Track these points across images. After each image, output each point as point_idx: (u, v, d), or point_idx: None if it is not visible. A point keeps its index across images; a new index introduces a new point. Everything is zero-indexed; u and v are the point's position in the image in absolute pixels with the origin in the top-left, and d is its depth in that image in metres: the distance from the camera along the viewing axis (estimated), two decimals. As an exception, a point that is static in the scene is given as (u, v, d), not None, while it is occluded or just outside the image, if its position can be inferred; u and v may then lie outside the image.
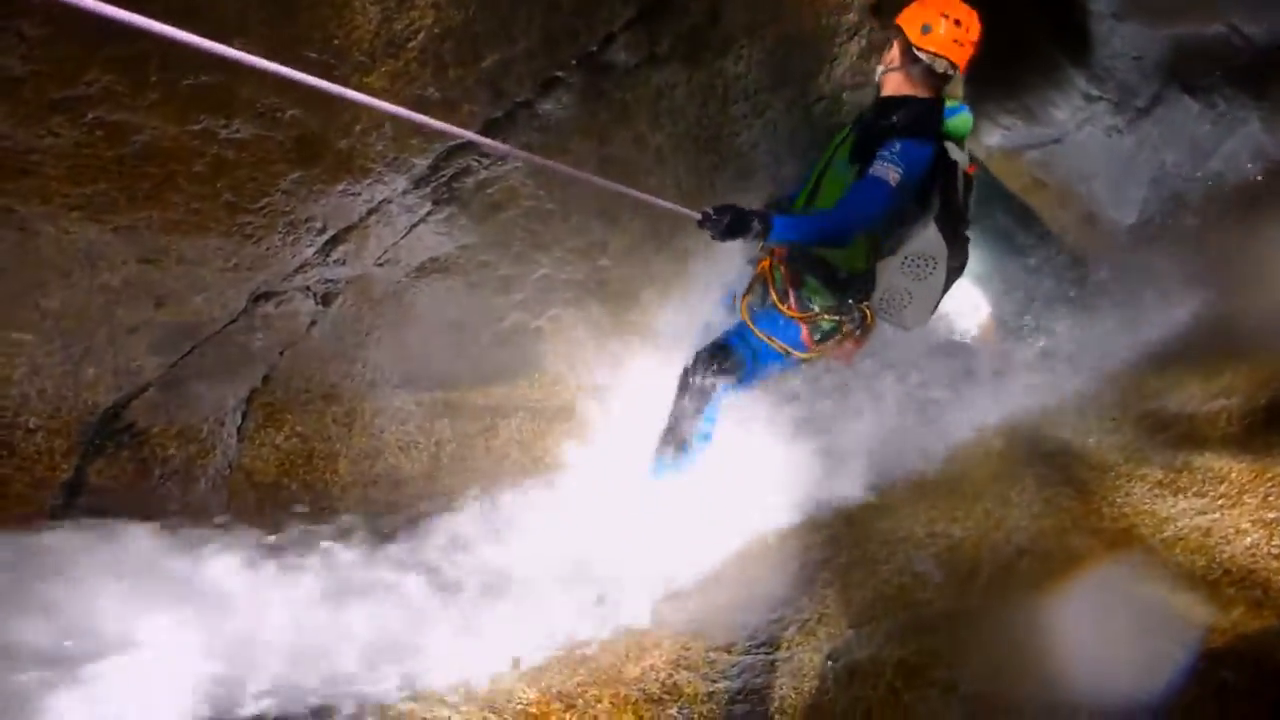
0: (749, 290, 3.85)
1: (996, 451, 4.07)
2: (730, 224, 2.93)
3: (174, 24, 1.60)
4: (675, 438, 3.88)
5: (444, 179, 2.97)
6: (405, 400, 3.59)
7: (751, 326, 3.73)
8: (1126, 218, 9.08)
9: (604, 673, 3.06)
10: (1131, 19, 7.85)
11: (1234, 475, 3.00)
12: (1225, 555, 2.63)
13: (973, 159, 3.54)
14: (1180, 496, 3.07)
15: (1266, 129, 7.22)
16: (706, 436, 3.89)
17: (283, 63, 1.86)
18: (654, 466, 3.97)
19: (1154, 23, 7.69)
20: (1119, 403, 4.17)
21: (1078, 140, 9.56)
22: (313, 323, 3.09)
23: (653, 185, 3.83)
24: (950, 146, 3.40)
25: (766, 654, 3.04)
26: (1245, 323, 4.06)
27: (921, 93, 3.43)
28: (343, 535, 3.12)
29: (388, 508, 3.49)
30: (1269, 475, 2.89)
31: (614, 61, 3.27)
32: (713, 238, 3.00)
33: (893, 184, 3.13)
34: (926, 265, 3.44)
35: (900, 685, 2.62)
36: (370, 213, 2.85)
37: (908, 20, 3.39)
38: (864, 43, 4.33)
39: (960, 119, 3.47)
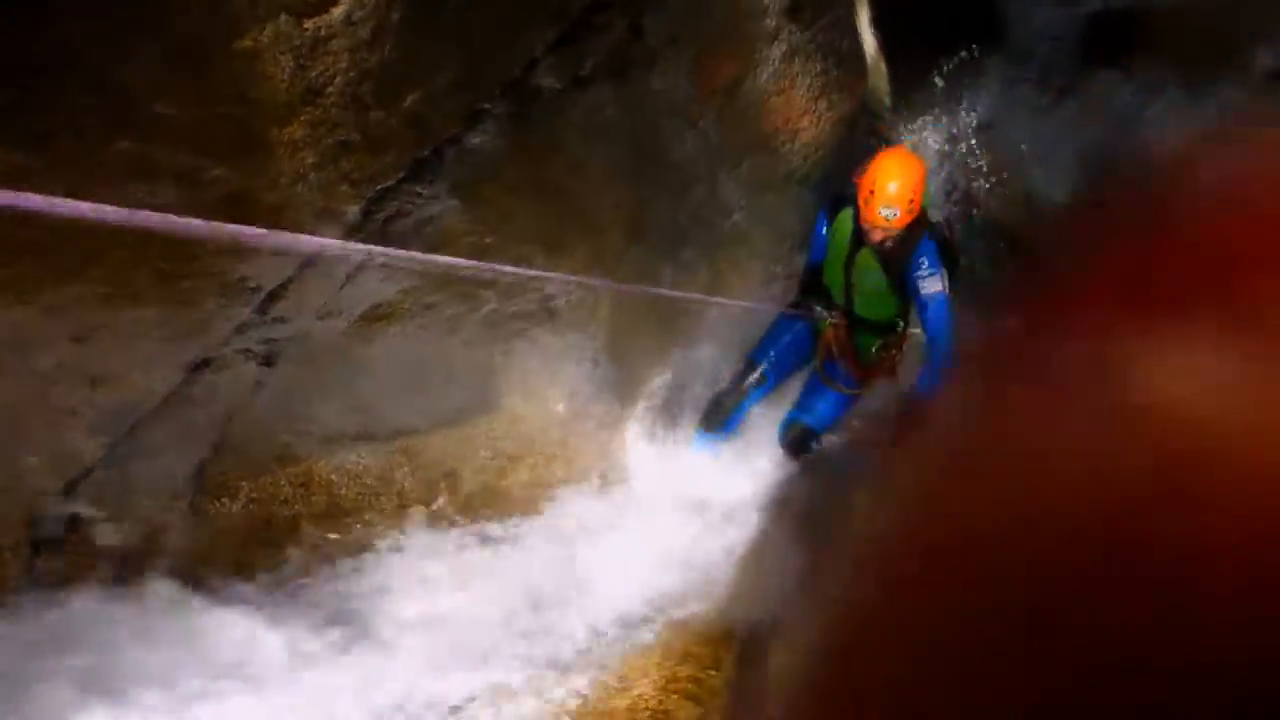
0: (818, 362, 4.78)
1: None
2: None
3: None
4: (711, 420, 4.97)
5: (378, 224, 2.90)
6: (361, 452, 3.50)
7: (828, 383, 4.73)
8: (1059, 195, 9.21)
9: (592, 707, 3.00)
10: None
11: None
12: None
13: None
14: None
15: (1185, 94, 7.37)
16: (734, 424, 4.95)
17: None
18: (697, 437, 5.05)
19: (1069, 1, 7.83)
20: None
21: (1005, 123, 9.70)
22: (258, 384, 2.98)
23: (592, 208, 3.80)
24: (940, 232, 4.30)
25: (754, 673, 2.98)
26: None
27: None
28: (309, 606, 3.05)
29: (354, 563, 3.39)
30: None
31: (539, 87, 3.22)
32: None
33: (942, 291, 4.08)
34: None
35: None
36: (305, 266, 2.76)
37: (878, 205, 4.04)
38: (786, 46, 4.34)
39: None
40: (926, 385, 4.14)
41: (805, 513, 4.09)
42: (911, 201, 3.96)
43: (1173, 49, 7.30)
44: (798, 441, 4.76)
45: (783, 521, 4.16)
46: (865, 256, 4.31)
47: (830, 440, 4.85)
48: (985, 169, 10.52)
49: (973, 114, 9.75)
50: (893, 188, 3.93)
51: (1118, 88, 8.10)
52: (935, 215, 4.34)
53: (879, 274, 4.32)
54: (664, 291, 4.45)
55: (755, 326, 5.38)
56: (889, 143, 7.46)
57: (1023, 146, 9.61)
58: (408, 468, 3.72)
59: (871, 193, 3.96)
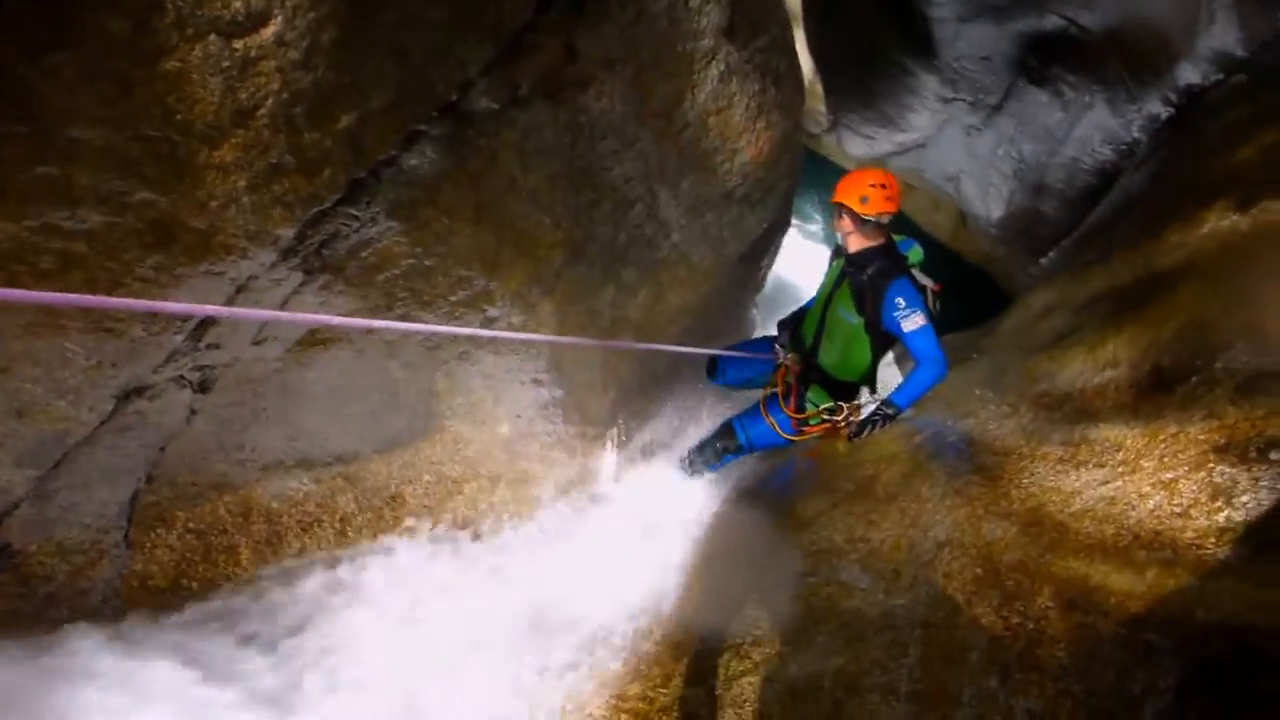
0: (766, 392, 5.04)
1: (902, 452, 4.10)
2: (885, 421, 4.42)
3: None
4: (693, 468, 5.21)
5: (313, 247, 2.86)
6: (302, 479, 3.44)
7: (765, 414, 4.88)
8: (995, 211, 9.40)
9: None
10: (975, 20, 8.19)
11: (1129, 442, 3.06)
12: (1132, 520, 2.67)
13: (936, 280, 4.64)
14: (1082, 469, 3.12)
15: (1112, 111, 7.57)
16: (713, 469, 5.18)
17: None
18: (681, 468, 5.29)
19: (996, 21, 8.03)
20: (1014, 388, 4.25)
21: (939, 142, 9.90)
22: (193, 412, 2.93)
23: (531, 228, 3.79)
24: (916, 274, 4.49)
25: (705, 686, 2.98)
26: (1122, 297, 4.19)
27: (875, 241, 4.49)
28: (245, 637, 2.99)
29: (293, 591, 3.33)
30: (1161, 437, 2.95)
31: (476, 108, 3.22)
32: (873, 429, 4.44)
33: (925, 322, 4.30)
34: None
35: (841, 695, 2.59)
36: (239, 290, 2.72)
37: (845, 197, 4.41)
38: (723, 66, 4.38)
39: (914, 251, 4.67)
40: (903, 397, 4.41)
41: (749, 528, 4.12)
42: (888, 195, 4.38)
43: (1099, 67, 7.49)
44: (720, 447, 5.08)
45: (728, 537, 4.19)
46: (843, 294, 4.61)
47: (750, 461, 5.33)
48: (920, 187, 10.72)
49: (909, 132, 9.95)
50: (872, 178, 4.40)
51: (1048, 106, 8.31)
52: (923, 278, 4.58)
53: (853, 312, 4.54)
54: (644, 345, 4.89)
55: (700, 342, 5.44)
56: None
57: (958, 164, 9.81)
58: (350, 493, 3.67)
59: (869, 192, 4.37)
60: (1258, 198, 3.69)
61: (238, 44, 2.25)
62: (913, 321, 4.28)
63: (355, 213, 2.93)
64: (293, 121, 2.50)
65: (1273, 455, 2.49)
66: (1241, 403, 2.80)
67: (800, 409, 4.79)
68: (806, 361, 4.91)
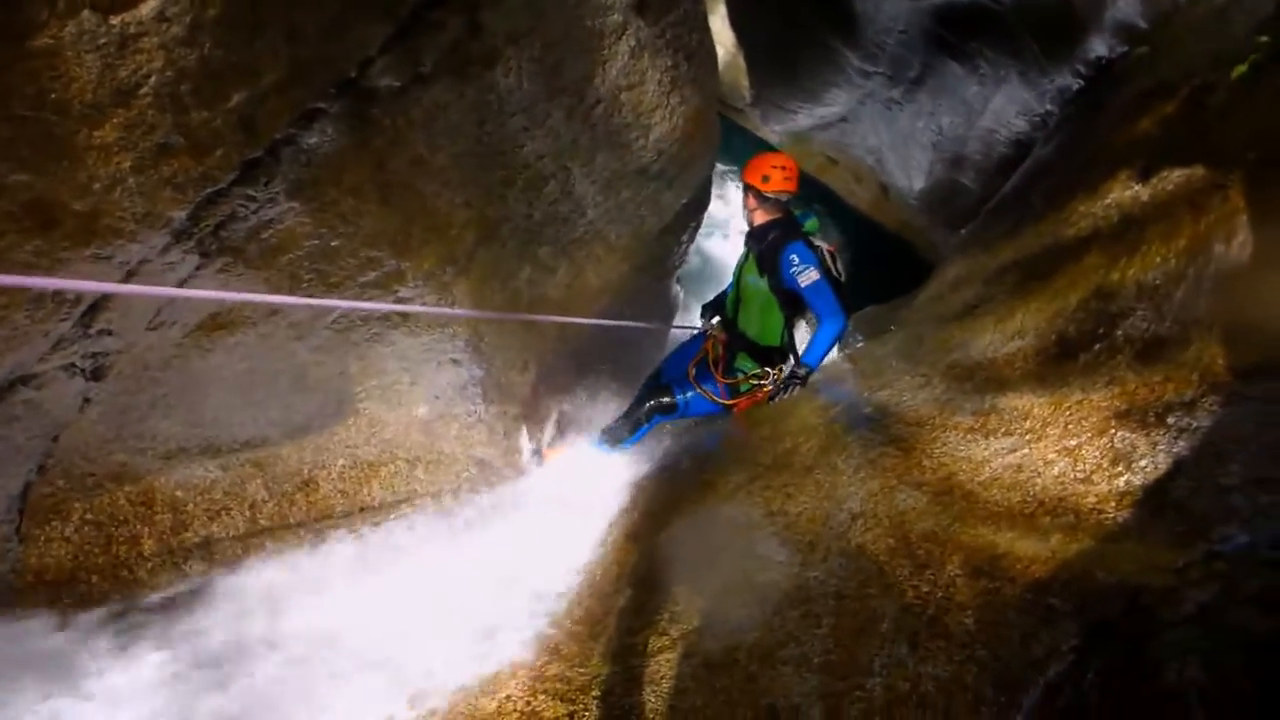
0: (695, 359, 5.35)
1: (819, 424, 4.14)
2: (800, 382, 4.65)
3: None
4: (615, 436, 5.29)
5: (209, 229, 2.79)
6: (209, 467, 3.36)
7: (694, 383, 5.18)
8: (916, 183, 9.54)
9: (460, 712, 2.97)
10: (893, -6, 8.28)
11: (1036, 410, 3.12)
12: (1038, 487, 2.72)
13: (830, 242, 4.94)
14: (991, 438, 3.17)
15: (1025, 83, 7.71)
16: (633, 441, 5.28)
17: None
18: (597, 441, 5.39)
19: (914, -5, 8.12)
20: (927, 359, 4.32)
21: (861, 116, 10.00)
22: (86, 400, 2.83)
23: (441, 208, 3.74)
24: (812, 239, 4.79)
25: (623, 664, 2.99)
26: (1030, 267, 4.27)
27: (776, 215, 4.93)
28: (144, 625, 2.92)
29: (201, 581, 3.26)
30: (1066, 405, 3.01)
31: (377, 86, 3.15)
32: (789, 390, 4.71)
33: (820, 277, 4.58)
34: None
35: (755, 668, 2.62)
36: (130, 275, 2.63)
37: (750, 177, 4.89)
38: (634, 41, 4.35)
39: (810, 222, 4.98)
40: (812, 356, 4.64)
41: (669, 504, 4.13)
42: (786, 175, 4.83)
43: (1014, 41, 7.61)
44: (651, 407, 5.23)
45: (648, 513, 4.19)
46: (750, 264, 5.01)
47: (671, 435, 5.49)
48: (842, 161, 10.82)
49: (830, 107, 10.03)
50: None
51: (965, 79, 8.43)
52: (819, 241, 4.87)
53: (758, 276, 4.91)
54: (580, 320, 5.08)
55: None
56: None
57: (879, 138, 9.93)
58: (260, 480, 3.60)
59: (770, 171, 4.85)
60: (1158, 167, 3.77)
61: (114, 20, 2.17)
62: (807, 277, 4.60)
63: (253, 193, 2.86)
64: (179, 100, 2.42)
65: (1170, 420, 2.55)
66: (1141, 369, 2.87)
67: (730, 374, 5.11)
68: (730, 331, 5.22)
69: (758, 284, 4.95)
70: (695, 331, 5.65)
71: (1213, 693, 1.57)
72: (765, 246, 4.87)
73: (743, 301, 5.15)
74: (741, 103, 11.01)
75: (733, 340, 5.22)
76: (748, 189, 4.97)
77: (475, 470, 4.78)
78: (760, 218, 5.00)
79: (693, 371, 5.28)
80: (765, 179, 4.86)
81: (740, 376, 5.07)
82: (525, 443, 5.28)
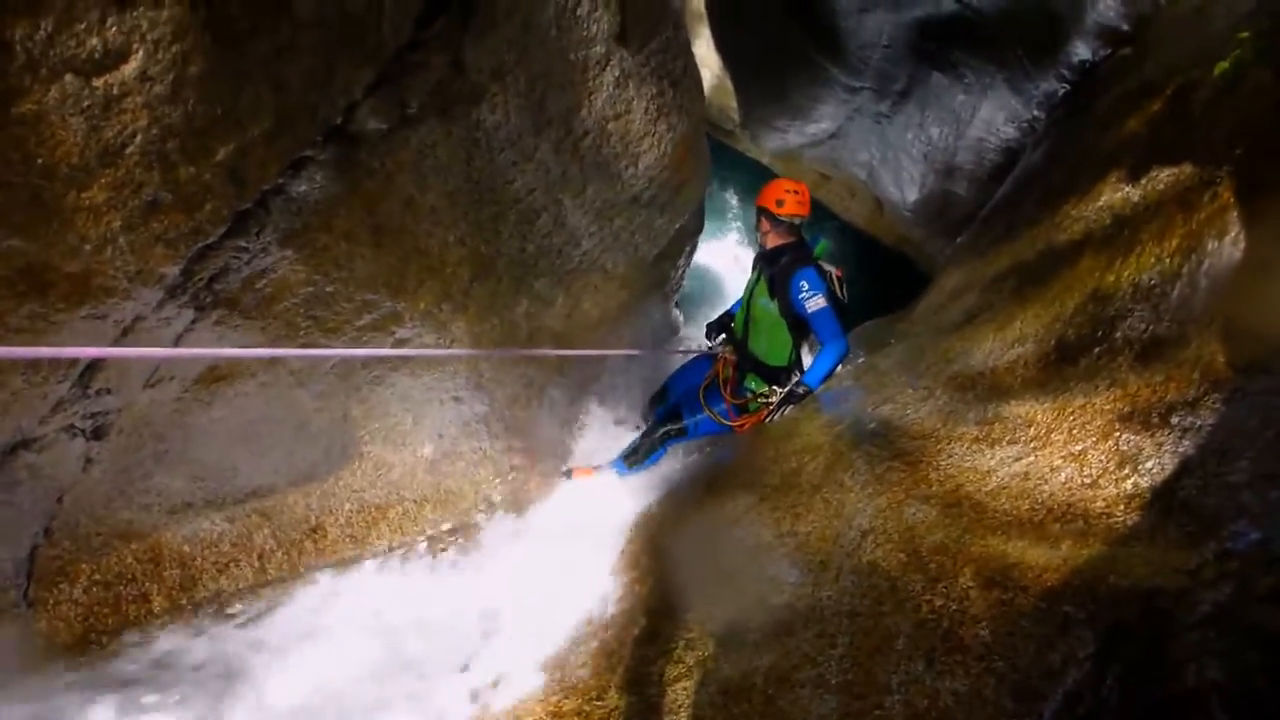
0: (705, 382, 5.63)
1: (825, 443, 4.13)
2: (796, 400, 4.91)
3: None
4: (633, 459, 5.47)
5: (202, 283, 2.79)
6: (215, 519, 3.36)
7: (704, 405, 5.43)
8: (910, 195, 9.55)
9: (480, 755, 2.95)
10: (875, 9, 8.31)
11: (1039, 417, 3.11)
12: (1045, 494, 2.70)
13: (838, 265, 5.23)
14: (997, 447, 3.15)
15: (1011, 90, 7.73)
16: (650, 463, 5.46)
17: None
18: (616, 464, 5.53)
19: (894, 9, 8.15)
20: (929, 370, 4.30)
21: (850, 131, 10.02)
22: (88, 461, 2.84)
23: (434, 247, 3.75)
24: (823, 264, 5.06)
25: (640, 695, 2.97)
26: (1026, 273, 4.27)
27: (788, 239, 5.19)
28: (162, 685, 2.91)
29: (213, 633, 3.24)
30: (1069, 410, 3.00)
31: (364, 130, 3.16)
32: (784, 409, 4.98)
33: (826, 304, 4.86)
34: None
35: (773, 692, 2.60)
36: (125, 333, 2.63)
37: (765, 201, 5.18)
38: (618, 71, 4.37)
39: (820, 246, 5.18)
40: (812, 377, 4.87)
41: (679, 531, 4.12)
42: (799, 200, 5.14)
43: (997, 48, 7.64)
44: (663, 433, 5.47)
45: (658, 540, 4.18)
46: (761, 287, 5.26)
47: (679, 460, 5.58)
48: (835, 177, 10.84)
49: (819, 124, 10.05)
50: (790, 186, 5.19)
51: (951, 90, 8.45)
52: (827, 266, 5.13)
53: (769, 299, 5.18)
54: (584, 353, 5.34)
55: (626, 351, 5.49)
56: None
57: (869, 152, 9.94)
58: (267, 529, 3.59)
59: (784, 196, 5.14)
60: (1147, 167, 3.77)
61: (98, 82, 2.18)
62: (815, 303, 4.87)
63: (245, 244, 2.86)
64: (166, 157, 2.43)
65: (1173, 420, 2.54)
66: (1141, 370, 2.85)
67: (739, 394, 5.36)
68: (740, 352, 5.47)
69: (768, 306, 5.20)
70: (700, 352, 5.96)
71: (1233, 692, 1.56)
72: (777, 270, 5.09)
73: (752, 322, 5.38)
74: (731, 125, 11.05)
75: (742, 360, 5.44)
76: (761, 212, 5.24)
77: (484, 506, 4.77)
78: (773, 241, 5.23)
79: (703, 394, 5.52)
80: (779, 203, 5.13)
81: (749, 396, 5.30)
82: (533, 476, 5.27)
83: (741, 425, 5.31)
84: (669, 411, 5.62)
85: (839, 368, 4.98)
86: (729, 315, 5.89)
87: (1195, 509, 2.18)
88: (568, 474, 5.66)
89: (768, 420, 5.03)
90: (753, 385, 5.34)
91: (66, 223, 2.26)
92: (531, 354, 4.86)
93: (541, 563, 4.32)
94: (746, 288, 5.56)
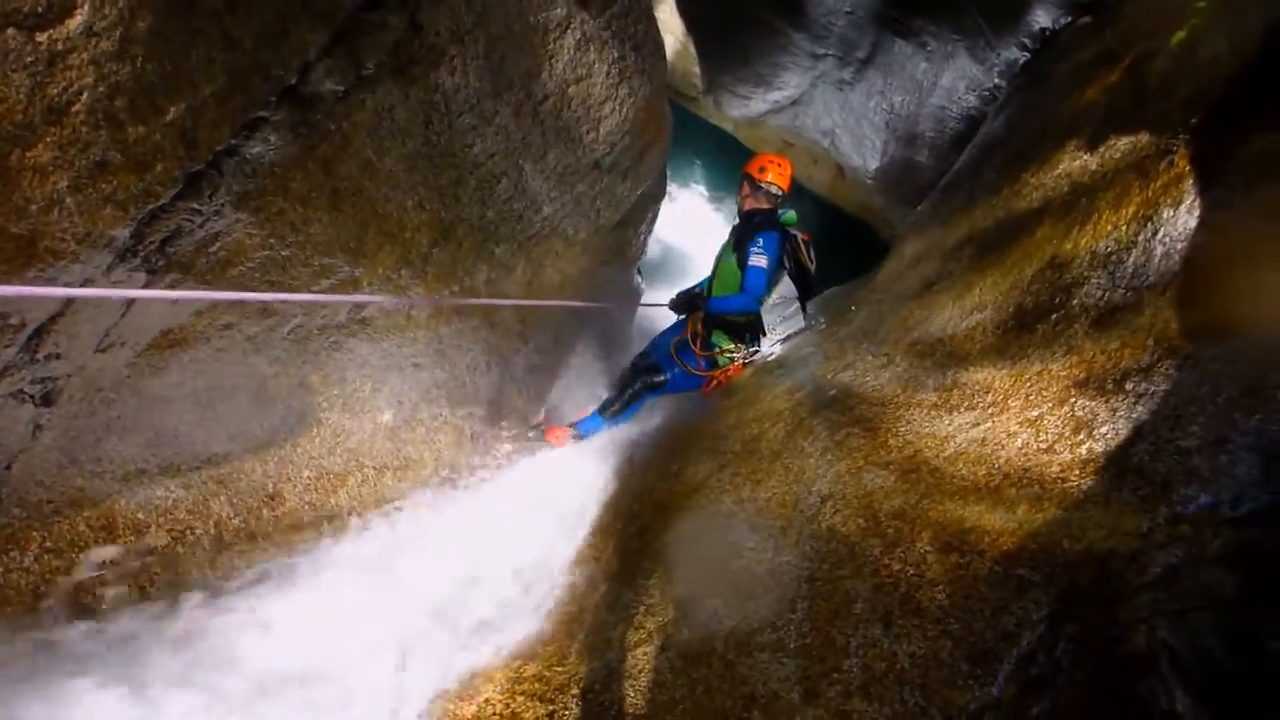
0: (676, 339, 6.15)
1: (785, 409, 4.15)
2: (684, 304, 6.09)
3: None
4: (609, 411, 5.91)
5: (154, 245, 2.73)
6: (170, 487, 3.31)
7: (676, 358, 5.97)
8: (871, 163, 9.57)
9: (437, 719, 2.95)
10: (837, -26, 8.29)
11: (997, 383, 3.14)
12: (1002, 460, 2.74)
13: (806, 230, 5.97)
14: (955, 413, 3.19)
15: (973, 58, 7.76)
16: (626, 417, 5.92)
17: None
18: (592, 418, 5.96)
19: (858, -27, 8.14)
20: (889, 337, 4.33)
21: (813, 98, 10.01)
22: (37, 427, 2.77)
23: (393, 211, 3.70)
24: (789, 230, 5.82)
25: (601, 660, 2.99)
26: (985, 241, 4.30)
27: (764, 205, 5.99)
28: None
29: (167, 604, 3.20)
30: (1026, 376, 3.03)
31: (319, 91, 3.10)
32: (675, 311, 6.23)
33: (764, 265, 5.58)
34: (789, 303, 6.73)
35: (733, 656, 2.62)
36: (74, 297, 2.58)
37: (749, 167, 6.03)
38: (579, 35, 4.32)
39: (788, 215, 5.92)
40: (714, 304, 5.83)
41: (640, 497, 4.12)
42: (781, 171, 5.98)
43: (959, 16, 7.66)
44: (643, 384, 5.92)
45: (619, 507, 4.19)
46: (729, 245, 6.04)
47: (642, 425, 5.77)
48: (798, 144, 10.84)
49: (783, 90, 10.03)
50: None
51: (913, 57, 8.47)
52: (794, 230, 5.87)
53: (732, 252, 5.92)
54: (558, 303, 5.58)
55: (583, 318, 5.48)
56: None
57: (832, 119, 9.95)
58: (224, 496, 3.55)
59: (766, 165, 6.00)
60: (1105, 136, 3.80)
61: (41, 37, 2.11)
62: (757, 259, 5.61)
63: (197, 206, 2.80)
64: (114, 116, 2.36)
65: (1128, 386, 2.57)
66: (1097, 336, 2.89)
67: (707, 348, 5.88)
68: (707, 312, 5.99)
69: (730, 260, 5.90)
70: (668, 311, 6.56)
71: (1182, 652, 1.59)
72: (746, 228, 5.85)
73: (718, 276, 6.06)
74: (694, 91, 10.99)
75: (708, 319, 5.94)
76: (745, 178, 6.05)
77: (444, 472, 4.75)
78: (749, 205, 6.02)
79: (675, 349, 6.06)
80: (761, 170, 5.95)
81: (716, 350, 5.84)
82: (494, 442, 5.25)
83: (711, 379, 5.84)
84: (647, 367, 6.07)
85: (739, 316, 5.75)
86: (694, 289, 6.45)
87: (1148, 473, 2.22)
88: (539, 432, 5.89)
89: (740, 361, 5.76)
90: (719, 341, 5.85)
91: (11, 183, 2.20)
92: (492, 303, 4.83)
93: (502, 528, 4.32)
94: (719, 251, 6.20)
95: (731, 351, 5.80)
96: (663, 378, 5.89)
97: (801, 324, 6.57)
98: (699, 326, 6.00)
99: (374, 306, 3.87)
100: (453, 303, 4.37)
